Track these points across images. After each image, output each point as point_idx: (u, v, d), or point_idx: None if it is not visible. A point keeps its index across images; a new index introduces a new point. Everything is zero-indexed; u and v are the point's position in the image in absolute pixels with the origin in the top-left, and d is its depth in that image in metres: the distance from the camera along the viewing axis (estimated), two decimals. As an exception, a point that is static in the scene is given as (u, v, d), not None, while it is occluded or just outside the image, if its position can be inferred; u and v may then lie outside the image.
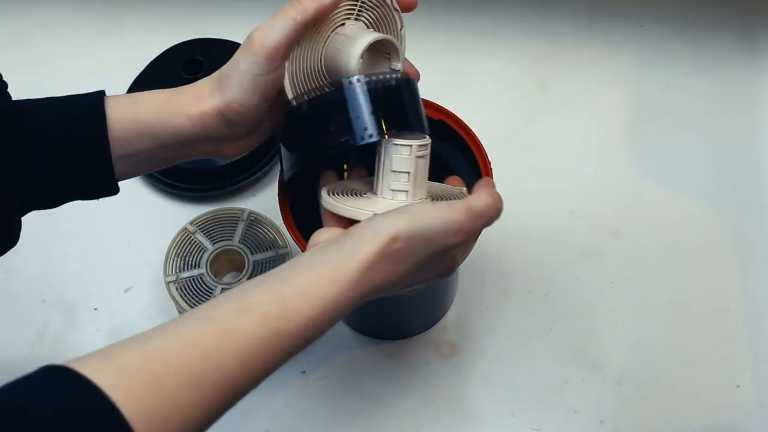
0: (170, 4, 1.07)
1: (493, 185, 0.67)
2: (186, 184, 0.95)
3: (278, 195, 0.75)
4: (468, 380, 0.87)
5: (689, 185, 0.96)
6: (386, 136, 0.64)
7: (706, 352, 0.88)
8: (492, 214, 0.64)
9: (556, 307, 0.90)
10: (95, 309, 0.91)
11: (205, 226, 0.88)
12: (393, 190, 0.66)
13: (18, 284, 0.92)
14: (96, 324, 0.90)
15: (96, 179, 0.67)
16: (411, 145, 0.64)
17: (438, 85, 0.99)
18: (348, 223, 0.65)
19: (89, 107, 0.66)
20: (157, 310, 0.90)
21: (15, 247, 0.69)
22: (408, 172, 0.65)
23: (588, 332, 0.89)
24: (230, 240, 0.88)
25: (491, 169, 0.75)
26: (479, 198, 0.64)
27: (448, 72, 1.02)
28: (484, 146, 0.76)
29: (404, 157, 0.65)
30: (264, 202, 0.95)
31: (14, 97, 0.71)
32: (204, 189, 0.95)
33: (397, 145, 0.64)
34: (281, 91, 0.66)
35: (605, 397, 0.86)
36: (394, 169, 0.65)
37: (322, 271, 0.58)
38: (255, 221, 0.89)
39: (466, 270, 0.89)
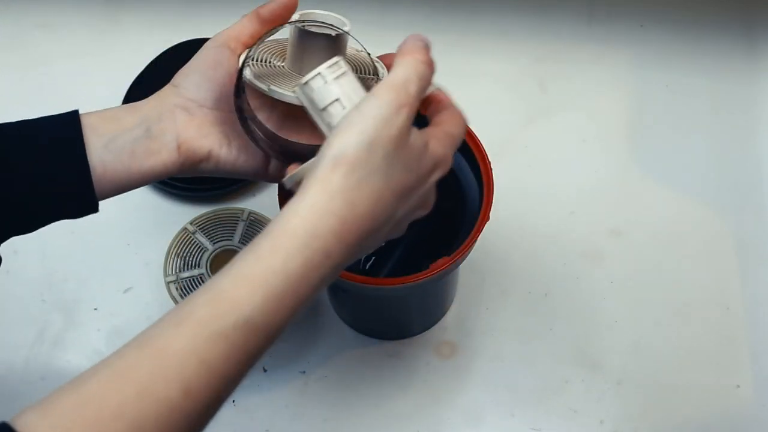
0: (170, 4, 1.07)
1: (401, 50, 0.59)
2: (186, 184, 0.95)
3: (278, 195, 0.75)
4: (468, 380, 0.87)
5: (689, 185, 0.96)
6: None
7: (706, 352, 0.88)
8: (417, 71, 0.57)
9: (556, 307, 0.90)
10: (95, 309, 0.91)
11: (205, 226, 0.88)
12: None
13: (18, 284, 0.92)
14: (96, 324, 0.90)
15: (77, 203, 0.65)
16: (319, 73, 0.58)
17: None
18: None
19: (66, 136, 0.64)
20: (157, 310, 0.90)
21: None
22: (337, 99, 0.58)
23: (588, 332, 0.89)
24: (230, 240, 0.88)
25: (491, 168, 0.75)
26: (396, 68, 0.56)
27: (448, 72, 1.02)
28: (483, 146, 0.76)
29: (322, 88, 0.58)
30: (264, 202, 0.95)
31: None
32: (204, 189, 0.95)
33: (307, 83, 0.58)
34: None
35: (605, 397, 0.86)
36: (321, 107, 0.58)
37: (261, 247, 0.52)
38: (255, 221, 0.89)
39: (466, 270, 0.89)
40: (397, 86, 0.55)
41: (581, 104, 1.00)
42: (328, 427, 0.85)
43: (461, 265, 0.78)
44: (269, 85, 0.63)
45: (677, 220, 0.94)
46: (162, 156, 0.65)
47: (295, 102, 0.62)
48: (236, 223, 0.88)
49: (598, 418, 0.85)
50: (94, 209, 0.66)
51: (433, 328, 0.89)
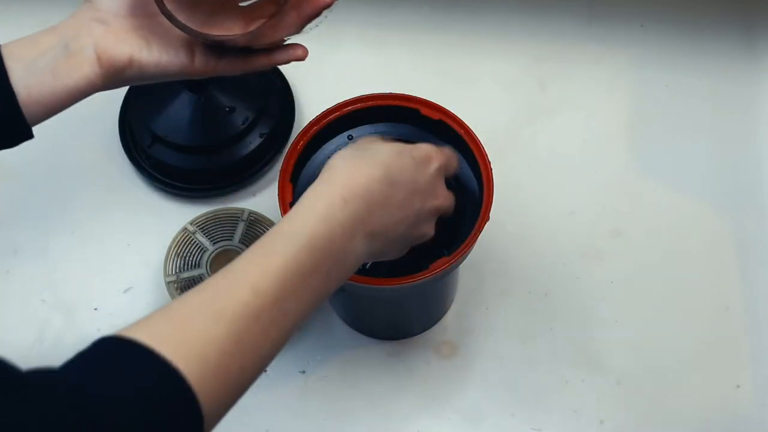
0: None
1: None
2: (186, 184, 0.95)
3: (278, 195, 0.75)
4: (468, 380, 0.87)
5: (689, 185, 0.96)
6: None
7: (706, 352, 0.88)
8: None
9: (556, 307, 0.90)
10: (95, 309, 0.91)
11: (205, 226, 0.88)
12: None
13: (18, 284, 0.92)
14: (96, 324, 0.90)
15: (8, 131, 0.67)
16: None
17: (438, 85, 0.99)
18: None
19: None
20: (157, 310, 0.90)
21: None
22: None
23: (588, 332, 0.89)
24: (230, 240, 0.88)
25: (491, 168, 0.75)
26: None
27: (448, 72, 1.02)
28: (483, 146, 0.76)
29: None
30: (264, 202, 0.95)
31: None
32: (204, 189, 0.95)
33: None
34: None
35: (605, 397, 0.86)
36: None
37: (305, 206, 0.60)
38: (255, 221, 0.89)
39: (466, 270, 0.89)
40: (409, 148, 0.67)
41: (581, 104, 1.00)
42: (328, 427, 0.85)
43: (461, 265, 0.78)
44: None
45: (677, 220, 0.94)
46: (84, 70, 0.66)
47: None
48: (236, 223, 0.88)
49: (598, 418, 0.85)
50: (28, 135, 0.68)
51: (433, 328, 0.89)
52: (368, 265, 0.80)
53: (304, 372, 0.87)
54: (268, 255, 0.57)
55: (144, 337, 0.51)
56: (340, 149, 0.79)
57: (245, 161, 0.95)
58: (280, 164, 0.77)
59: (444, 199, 0.68)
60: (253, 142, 0.95)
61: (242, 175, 0.95)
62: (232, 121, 0.94)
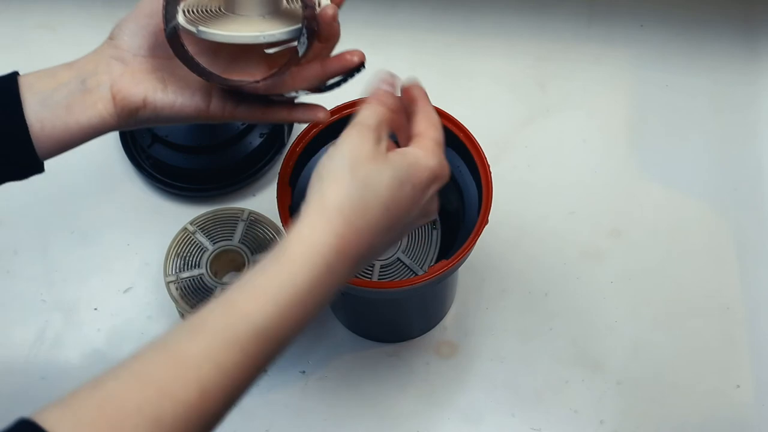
0: (170, 4, 1.07)
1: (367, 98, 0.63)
2: (186, 184, 0.95)
3: (277, 198, 0.75)
4: (468, 380, 0.87)
5: (689, 185, 0.96)
6: None
7: (706, 352, 0.88)
8: (376, 113, 0.61)
9: (556, 307, 0.90)
10: (95, 309, 0.91)
11: (205, 226, 0.88)
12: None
13: (18, 284, 0.92)
14: (96, 324, 0.90)
15: (19, 164, 0.66)
16: None
17: (438, 85, 0.99)
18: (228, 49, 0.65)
19: (2, 90, 0.65)
20: (157, 310, 0.90)
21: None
22: None
23: (588, 332, 0.89)
24: (230, 240, 0.88)
25: (490, 173, 0.75)
26: (360, 111, 0.62)
27: (448, 72, 1.02)
28: (482, 148, 0.76)
29: None
30: (264, 202, 0.95)
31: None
32: (204, 189, 0.95)
33: None
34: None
35: (605, 397, 0.86)
36: None
37: (269, 266, 0.55)
38: (255, 221, 0.89)
39: (465, 270, 0.89)
40: (356, 122, 0.60)
41: (581, 104, 1.00)
42: (328, 427, 0.85)
43: (461, 266, 0.79)
44: (198, 27, 0.64)
45: (677, 220, 0.94)
46: (98, 108, 0.66)
47: (224, 40, 0.63)
48: (236, 223, 0.88)
49: (598, 418, 0.85)
50: (39, 169, 0.67)
51: (432, 328, 0.89)
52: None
53: (304, 372, 0.87)
54: (228, 347, 0.53)
55: (66, 428, 0.48)
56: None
57: (245, 161, 0.95)
58: (280, 164, 0.77)
59: (435, 211, 0.64)
60: (253, 142, 0.95)
61: (242, 175, 0.95)
62: (232, 121, 0.94)
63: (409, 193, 0.59)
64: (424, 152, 0.61)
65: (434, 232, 0.80)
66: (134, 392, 0.50)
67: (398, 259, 0.79)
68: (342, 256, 0.56)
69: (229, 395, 0.53)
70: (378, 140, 0.60)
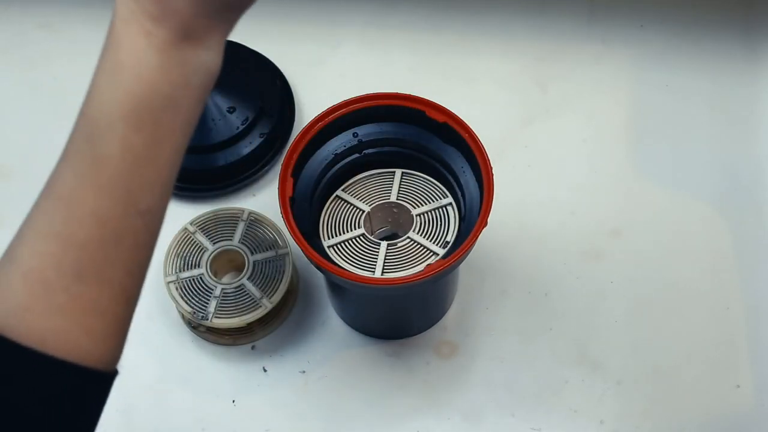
0: (170, 4, 1.07)
1: None
2: (186, 184, 0.95)
3: (278, 188, 0.75)
4: (468, 380, 0.87)
5: (689, 185, 0.96)
6: None
7: (706, 352, 0.88)
8: None
9: (556, 307, 0.90)
10: (95, 309, 0.91)
11: (205, 226, 0.88)
12: None
13: (18, 284, 0.92)
14: (96, 324, 0.90)
15: None
16: None
17: (438, 85, 1.00)
18: None
19: None
20: (157, 310, 0.90)
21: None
22: None
23: (588, 332, 0.89)
24: (230, 240, 0.88)
25: (492, 175, 0.75)
26: None
27: (448, 72, 1.02)
28: (487, 152, 0.76)
29: None
30: (264, 202, 0.95)
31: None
32: (204, 189, 0.95)
33: None
34: None
35: (605, 397, 0.86)
36: None
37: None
38: (255, 221, 0.89)
39: (466, 270, 0.89)
40: None
41: (581, 104, 1.00)
42: (328, 427, 0.85)
43: (461, 265, 0.79)
44: None
45: (677, 220, 0.94)
46: None
47: None
48: (236, 223, 0.88)
49: (598, 418, 0.85)
50: None
51: (433, 327, 0.89)
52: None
53: (304, 372, 0.87)
54: (96, 165, 0.49)
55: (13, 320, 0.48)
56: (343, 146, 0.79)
57: (245, 161, 0.95)
58: (281, 164, 0.77)
59: None
60: (253, 142, 0.95)
61: (242, 175, 0.95)
62: (232, 121, 0.94)
63: None
64: None
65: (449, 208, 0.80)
66: (44, 253, 0.49)
67: (410, 238, 0.79)
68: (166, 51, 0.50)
69: (131, 205, 0.51)
70: None
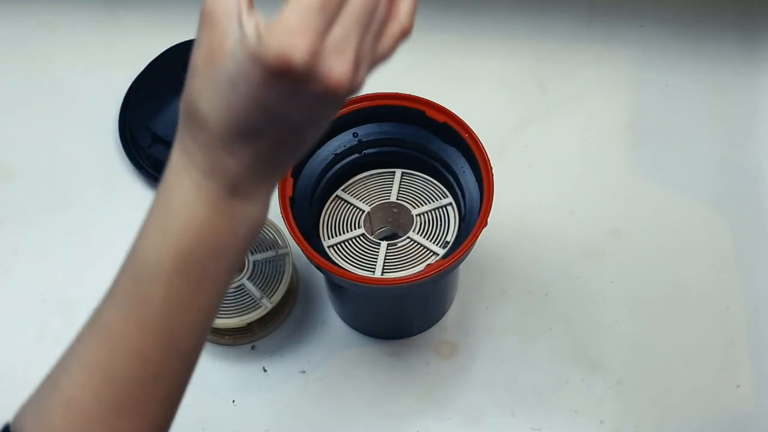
0: (171, 4, 1.07)
1: None
2: (186, 184, 0.95)
3: (278, 188, 0.75)
4: (468, 380, 0.87)
5: (689, 185, 0.96)
6: None
7: (706, 352, 0.88)
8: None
9: (556, 307, 0.90)
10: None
11: (205, 226, 0.88)
12: None
13: (18, 284, 0.92)
14: (96, 324, 0.90)
15: None
16: None
17: (438, 85, 1.00)
18: None
19: None
20: (157, 310, 0.90)
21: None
22: None
23: (588, 332, 0.89)
24: (230, 240, 0.88)
25: (492, 176, 0.75)
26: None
27: (448, 72, 1.02)
28: (487, 152, 0.76)
29: None
30: (264, 202, 0.95)
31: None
32: (204, 189, 0.95)
33: None
34: None
35: (605, 397, 0.86)
36: None
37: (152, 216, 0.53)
38: (255, 221, 0.88)
39: (466, 270, 0.89)
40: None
41: (581, 104, 1.00)
42: (328, 427, 0.85)
43: (461, 265, 0.79)
44: None
45: (677, 220, 0.94)
46: None
47: None
48: (236, 223, 0.88)
49: (598, 418, 0.85)
50: None
51: (433, 327, 0.89)
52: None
53: (304, 372, 0.87)
54: (142, 305, 0.51)
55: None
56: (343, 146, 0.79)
57: (245, 161, 0.94)
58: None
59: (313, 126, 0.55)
60: (253, 142, 0.95)
61: (242, 175, 0.95)
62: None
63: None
64: (268, 33, 0.43)
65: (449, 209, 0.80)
66: (86, 385, 0.50)
67: (410, 238, 0.79)
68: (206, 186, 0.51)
69: (172, 346, 0.51)
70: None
